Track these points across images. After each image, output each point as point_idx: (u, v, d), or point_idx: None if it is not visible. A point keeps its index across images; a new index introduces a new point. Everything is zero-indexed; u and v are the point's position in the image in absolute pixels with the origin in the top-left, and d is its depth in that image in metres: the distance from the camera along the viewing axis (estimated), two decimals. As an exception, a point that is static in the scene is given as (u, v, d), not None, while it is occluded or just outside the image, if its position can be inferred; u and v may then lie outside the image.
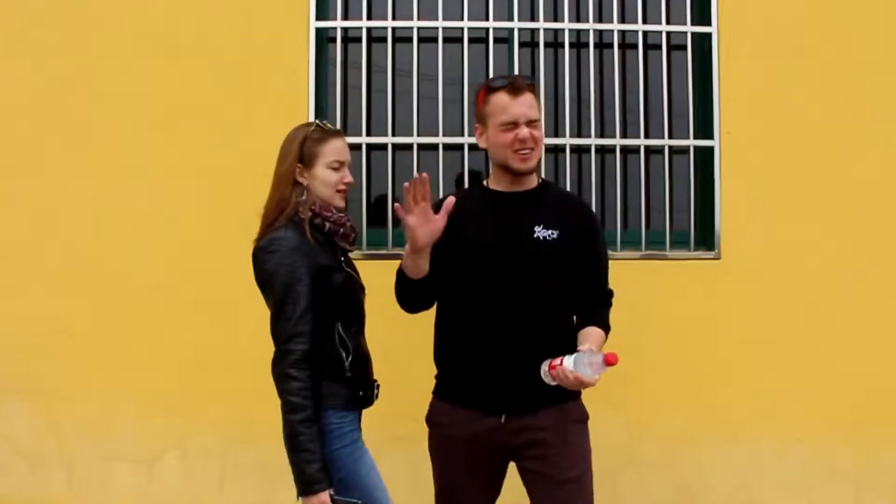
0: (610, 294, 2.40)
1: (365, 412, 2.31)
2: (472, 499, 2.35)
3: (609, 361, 1.96)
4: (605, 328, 2.31)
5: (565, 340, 2.26)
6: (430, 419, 2.40)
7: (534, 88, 2.29)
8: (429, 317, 3.40)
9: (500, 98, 2.25)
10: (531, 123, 2.24)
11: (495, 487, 2.36)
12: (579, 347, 2.14)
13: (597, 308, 2.34)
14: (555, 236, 2.25)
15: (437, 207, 2.14)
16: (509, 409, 2.23)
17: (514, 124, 2.23)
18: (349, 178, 2.29)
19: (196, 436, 3.31)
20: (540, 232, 2.25)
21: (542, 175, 2.83)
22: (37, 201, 3.34)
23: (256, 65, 3.34)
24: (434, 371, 2.44)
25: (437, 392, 2.41)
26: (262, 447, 3.19)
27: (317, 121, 2.31)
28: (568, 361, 2.02)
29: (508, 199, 2.32)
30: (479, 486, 2.34)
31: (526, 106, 2.24)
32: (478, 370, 2.25)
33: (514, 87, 2.24)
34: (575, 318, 2.35)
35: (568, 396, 2.26)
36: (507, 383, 2.22)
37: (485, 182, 2.43)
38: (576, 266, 2.29)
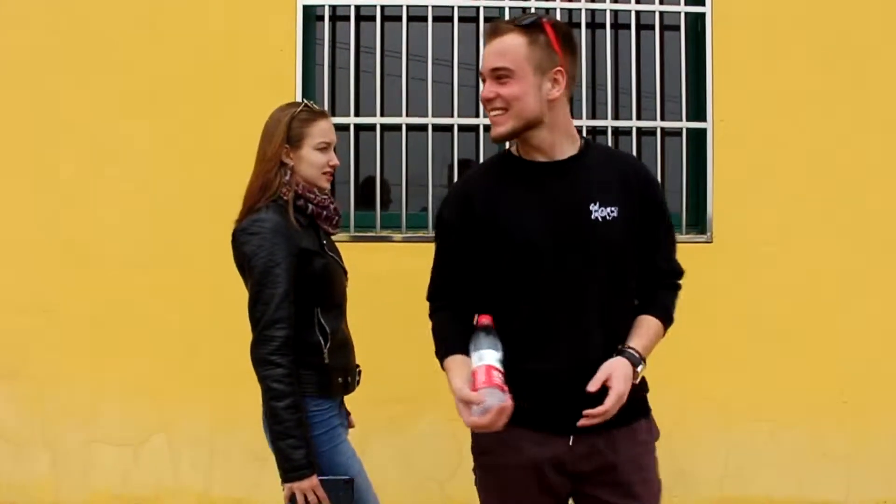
0: (677, 273, 1.99)
1: (352, 397, 2.28)
2: None
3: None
4: (666, 318, 1.92)
5: None
6: (478, 447, 1.91)
7: (528, 28, 1.77)
8: (415, 300, 3.36)
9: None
10: (499, 76, 1.78)
11: None
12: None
13: (660, 290, 1.95)
14: (615, 214, 1.82)
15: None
16: (577, 427, 1.76)
17: (483, 79, 1.82)
18: (336, 161, 2.25)
19: (182, 420, 3.28)
20: (597, 212, 1.81)
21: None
22: (19, 183, 3.29)
23: (242, 43, 3.29)
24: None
25: None
26: (249, 432, 3.12)
27: (304, 101, 2.26)
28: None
29: (549, 172, 1.84)
30: None
31: (493, 53, 1.78)
32: (538, 383, 1.80)
33: (492, 29, 1.80)
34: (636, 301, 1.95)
35: (640, 413, 1.89)
36: (575, 397, 1.74)
37: (512, 149, 1.93)
38: (641, 244, 1.88)
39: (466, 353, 1.77)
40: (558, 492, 1.85)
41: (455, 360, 1.81)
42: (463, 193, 1.93)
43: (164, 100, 3.28)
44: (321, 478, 2.05)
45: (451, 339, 1.86)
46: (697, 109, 3.43)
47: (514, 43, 1.76)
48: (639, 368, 1.78)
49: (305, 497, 2.04)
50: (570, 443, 1.79)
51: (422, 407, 3.26)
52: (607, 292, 1.82)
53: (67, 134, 3.29)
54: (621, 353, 1.79)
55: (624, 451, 1.82)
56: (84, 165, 3.28)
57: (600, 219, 1.81)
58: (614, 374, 1.74)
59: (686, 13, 3.43)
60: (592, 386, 1.72)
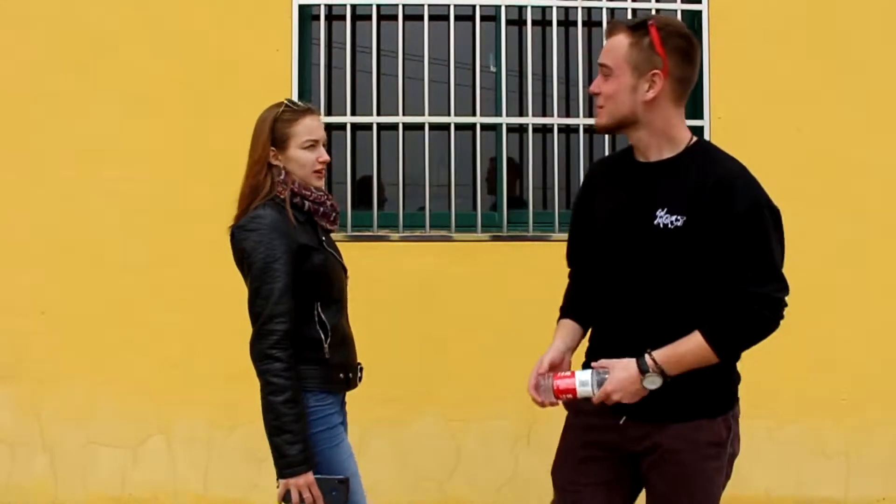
0: (755, 297, 1.78)
1: (350, 394, 2.27)
2: (584, 499, 1.95)
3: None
4: (711, 336, 1.78)
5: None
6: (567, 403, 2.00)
7: (634, 30, 1.83)
8: (413, 299, 3.36)
9: None
10: (604, 73, 1.88)
11: (615, 495, 1.96)
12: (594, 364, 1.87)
13: (724, 310, 1.79)
14: (680, 223, 1.79)
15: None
16: (631, 411, 1.84)
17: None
18: (325, 157, 2.22)
19: (180, 421, 3.27)
20: (662, 218, 1.81)
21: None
22: (18, 183, 3.28)
23: (238, 43, 3.28)
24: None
25: None
26: (248, 433, 3.15)
27: (286, 100, 2.23)
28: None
29: (638, 172, 1.91)
30: (593, 489, 1.95)
31: (603, 50, 1.89)
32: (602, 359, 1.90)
33: (608, 27, 1.93)
34: None
35: (700, 412, 1.86)
36: None
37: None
38: (709, 258, 1.80)
39: (575, 318, 2.05)
40: (609, 463, 1.93)
41: (562, 323, 2.07)
42: (585, 178, 2.18)
43: (162, 100, 3.28)
44: (316, 476, 2.05)
45: (567, 305, 2.10)
46: (694, 107, 3.42)
47: (618, 42, 1.84)
48: (647, 377, 1.78)
49: (300, 494, 2.04)
50: (621, 422, 1.87)
51: (420, 406, 3.25)
52: (656, 298, 1.85)
53: (67, 134, 3.28)
54: (638, 356, 1.80)
55: (677, 446, 1.84)
56: (82, 165, 3.28)
57: (661, 226, 1.82)
58: (611, 371, 1.82)
59: (682, 11, 3.43)
60: (594, 364, 1.87)
